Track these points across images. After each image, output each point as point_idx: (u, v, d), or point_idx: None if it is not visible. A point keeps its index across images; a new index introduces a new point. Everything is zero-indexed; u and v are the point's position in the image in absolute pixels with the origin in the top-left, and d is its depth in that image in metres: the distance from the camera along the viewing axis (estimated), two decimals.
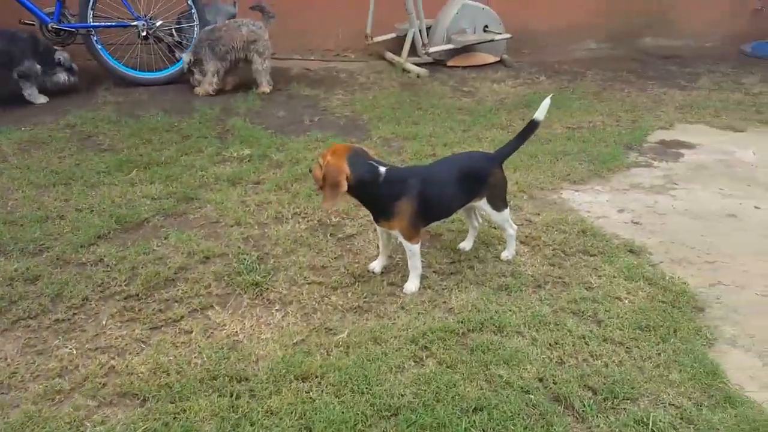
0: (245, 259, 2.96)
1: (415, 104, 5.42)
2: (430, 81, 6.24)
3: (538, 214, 3.50)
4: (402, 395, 2.14)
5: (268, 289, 2.77)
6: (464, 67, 6.81)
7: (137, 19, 5.49)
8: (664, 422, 2.02)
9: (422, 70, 6.40)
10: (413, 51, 6.71)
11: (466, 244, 3.14)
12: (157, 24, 5.55)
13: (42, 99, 5.18)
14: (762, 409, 2.10)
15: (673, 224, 3.46)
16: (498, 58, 7.08)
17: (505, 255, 3.04)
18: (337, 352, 2.38)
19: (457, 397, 2.14)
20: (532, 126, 2.89)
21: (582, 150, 4.49)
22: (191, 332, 2.48)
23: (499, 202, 2.88)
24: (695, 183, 4.03)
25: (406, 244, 2.71)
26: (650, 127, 5.10)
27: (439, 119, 5.05)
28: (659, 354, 2.35)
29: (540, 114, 2.86)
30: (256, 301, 2.70)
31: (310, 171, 2.66)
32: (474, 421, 2.03)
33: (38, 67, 5.04)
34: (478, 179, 2.81)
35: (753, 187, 3.98)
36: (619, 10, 8.19)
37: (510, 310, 2.62)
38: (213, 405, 2.08)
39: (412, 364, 2.32)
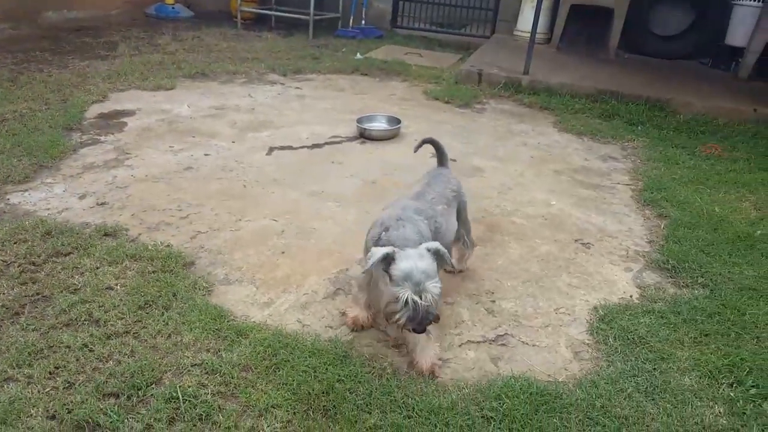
0: None
1: None
2: None
3: None
4: None
5: None
6: None
7: None
8: (192, 386, 1.99)
9: None
10: None
11: None
12: None
13: None
14: (266, 325, 2.33)
15: (139, 193, 3.39)
16: None
17: None
18: None
19: None
20: None
21: (16, 144, 3.88)
22: None
23: None
24: (146, 148, 4.04)
25: None
26: (84, 102, 4.82)
27: None
28: (167, 324, 2.29)
29: None
30: None
31: None
32: None
33: None
34: None
35: (197, 137, 4.28)
36: None
37: None
38: None
39: None
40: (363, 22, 8.49)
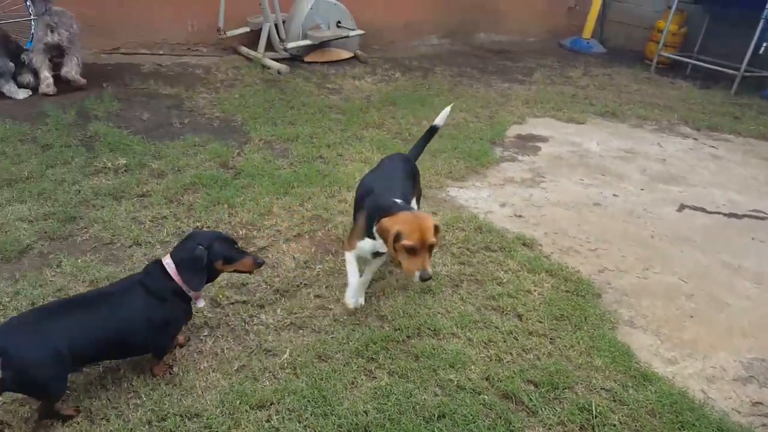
0: None
1: (286, 103, 5.30)
2: (292, 78, 6.12)
3: (436, 213, 3.66)
4: (365, 412, 2.15)
5: None
6: (322, 63, 6.82)
7: None
8: (602, 406, 2.27)
9: (283, 66, 6.26)
10: (269, 46, 6.55)
11: None
12: None
13: (24, 93, 4.77)
14: (672, 383, 2.45)
15: (551, 215, 3.83)
16: (352, 54, 7.20)
17: None
18: (285, 375, 2.32)
19: (417, 406, 2.20)
20: (433, 131, 3.11)
21: (454, 147, 4.75)
22: (118, 369, 2.25)
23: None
24: (558, 175, 4.49)
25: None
26: (506, 122, 5.55)
27: (314, 119, 5.01)
28: (579, 342, 2.62)
29: (440, 120, 3.06)
30: None
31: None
32: (440, 428, 2.11)
33: (11, 64, 4.70)
34: (415, 180, 2.97)
35: (607, 176, 4.56)
36: (454, 7, 8.71)
37: (439, 313, 2.74)
38: None
39: (364, 378, 2.34)
40: None
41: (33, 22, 4.86)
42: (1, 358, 1.77)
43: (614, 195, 4.23)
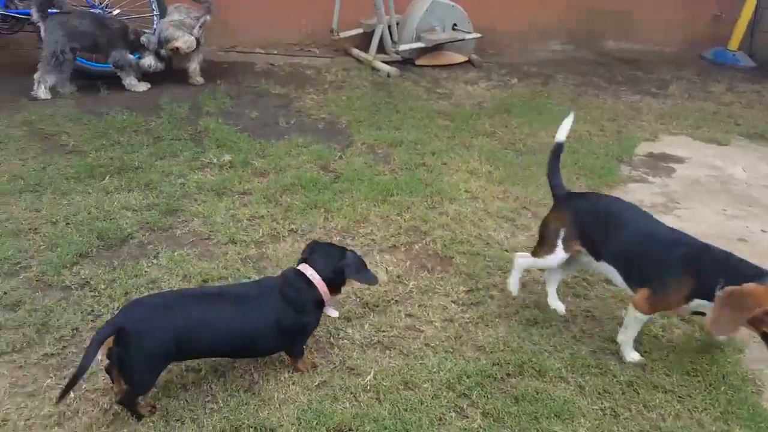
0: None
1: (392, 107, 5.11)
2: (401, 81, 5.93)
3: None
4: None
5: None
6: (434, 67, 6.58)
7: (93, 7, 4.98)
8: None
9: (392, 69, 6.09)
10: (380, 48, 6.40)
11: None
12: (114, 13, 5.02)
13: (143, 86, 4.88)
14: None
15: None
16: (466, 58, 6.88)
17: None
18: (367, 398, 2.13)
19: None
20: (559, 149, 2.64)
21: (574, 162, 4.32)
22: (199, 370, 2.17)
23: None
24: (695, 202, 3.95)
25: None
26: (636, 138, 5.01)
27: (420, 124, 4.77)
28: (713, 404, 2.19)
29: (562, 135, 2.61)
30: None
31: None
32: None
33: (130, 56, 4.79)
34: None
35: (754, 207, 3.94)
36: (579, 12, 8.12)
37: (546, 351, 2.41)
38: None
39: (454, 415, 2.09)
40: None
41: (156, 18, 5.06)
42: (117, 333, 1.80)
43: (763, 231, 3.63)
